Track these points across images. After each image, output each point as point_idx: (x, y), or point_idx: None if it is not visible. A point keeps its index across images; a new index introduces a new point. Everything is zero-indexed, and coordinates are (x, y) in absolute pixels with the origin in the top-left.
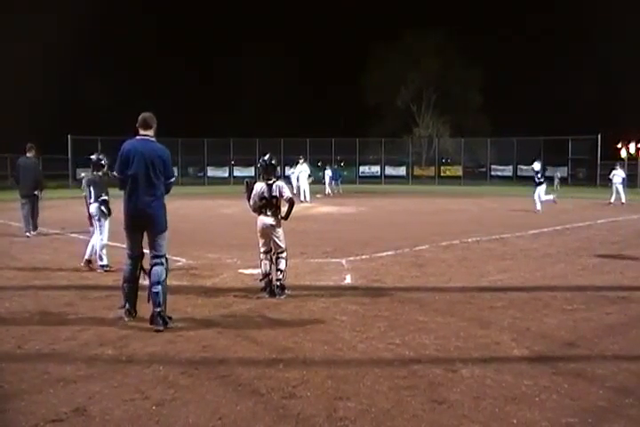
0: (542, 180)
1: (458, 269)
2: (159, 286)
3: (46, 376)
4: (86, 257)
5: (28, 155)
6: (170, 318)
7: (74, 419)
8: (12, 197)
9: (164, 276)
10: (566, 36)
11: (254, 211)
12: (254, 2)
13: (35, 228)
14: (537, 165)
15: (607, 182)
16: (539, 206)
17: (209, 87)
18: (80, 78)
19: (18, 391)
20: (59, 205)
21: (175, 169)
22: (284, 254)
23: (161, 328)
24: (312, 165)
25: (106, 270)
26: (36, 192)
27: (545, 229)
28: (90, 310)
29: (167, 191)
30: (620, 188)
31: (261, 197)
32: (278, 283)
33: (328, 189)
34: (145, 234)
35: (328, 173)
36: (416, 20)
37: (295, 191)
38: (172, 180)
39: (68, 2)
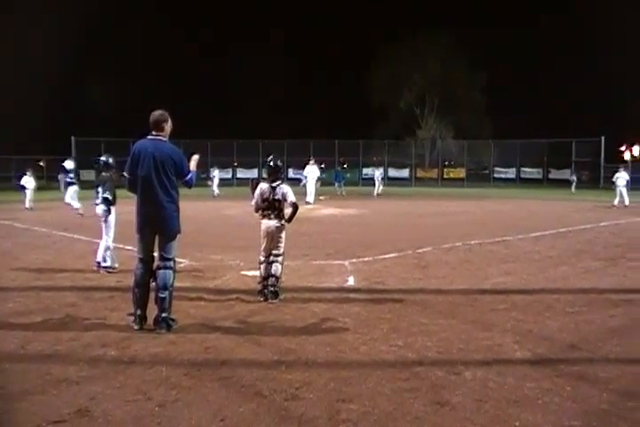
0: (74, 180)
1: (460, 272)
2: (166, 292)
3: (49, 377)
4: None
5: None
6: (173, 319)
7: (76, 420)
8: (16, 198)
9: (171, 280)
10: (570, 38)
11: (256, 211)
12: (255, 2)
13: None
14: (69, 164)
15: (611, 185)
16: (76, 205)
17: (211, 88)
18: (83, 80)
19: (21, 392)
20: (61, 207)
21: None
22: (280, 258)
23: (164, 332)
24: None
25: (109, 272)
26: None
27: (547, 232)
28: (93, 311)
29: (189, 187)
30: (624, 190)
31: (264, 199)
32: (272, 289)
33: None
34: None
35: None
36: (420, 21)
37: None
38: (188, 177)
39: (69, 2)
